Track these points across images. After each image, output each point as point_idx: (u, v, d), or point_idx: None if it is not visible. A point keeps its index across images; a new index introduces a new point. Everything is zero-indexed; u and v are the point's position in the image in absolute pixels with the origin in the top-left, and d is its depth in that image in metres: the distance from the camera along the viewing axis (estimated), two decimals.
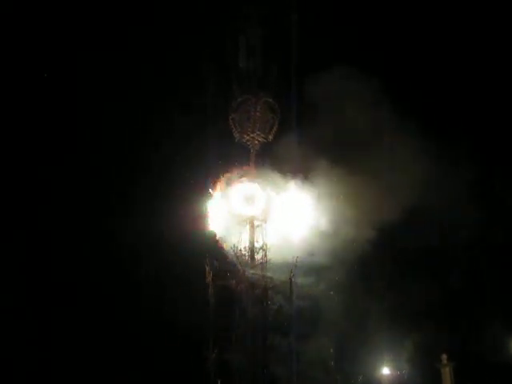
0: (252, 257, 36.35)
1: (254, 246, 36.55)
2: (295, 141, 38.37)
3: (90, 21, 41.27)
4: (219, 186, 37.30)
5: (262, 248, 36.33)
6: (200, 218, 36.71)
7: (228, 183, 37.27)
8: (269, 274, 35.98)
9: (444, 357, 35.77)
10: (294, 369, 34.66)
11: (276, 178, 37.51)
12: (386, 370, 37.94)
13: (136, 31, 41.01)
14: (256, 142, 38.04)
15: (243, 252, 36.18)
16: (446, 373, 35.55)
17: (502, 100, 43.09)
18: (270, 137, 38.19)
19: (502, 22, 42.95)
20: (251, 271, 35.78)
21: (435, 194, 38.34)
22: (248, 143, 38.12)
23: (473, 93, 43.26)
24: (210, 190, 37.29)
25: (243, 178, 37.33)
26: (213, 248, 36.23)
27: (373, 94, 39.37)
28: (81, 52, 41.23)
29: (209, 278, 35.45)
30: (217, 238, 36.62)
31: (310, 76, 39.41)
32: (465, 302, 39.79)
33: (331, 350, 36.66)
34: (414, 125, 38.59)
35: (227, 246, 36.38)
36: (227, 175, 37.36)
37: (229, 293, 35.59)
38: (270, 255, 36.15)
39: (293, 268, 35.64)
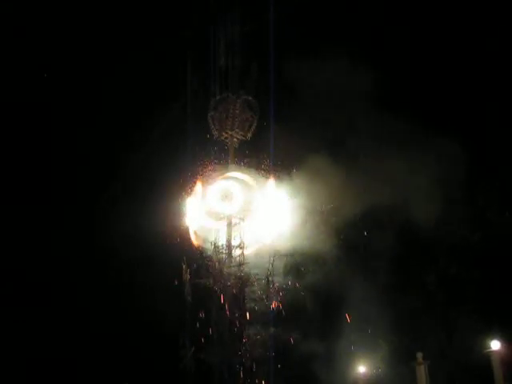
0: (229, 255, 36.34)
1: (231, 244, 36.55)
2: (274, 138, 38.30)
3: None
4: (197, 183, 37.22)
5: (239, 246, 36.37)
6: (177, 216, 36.66)
7: (206, 181, 37.21)
8: (246, 272, 35.99)
9: (419, 355, 35.97)
10: (270, 366, 34.80)
11: (254, 175, 37.50)
12: (361, 369, 38.08)
13: (113, 29, 40.62)
14: (235, 139, 38.03)
15: (221, 250, 36.16)
16: (421, 371, 35.76)
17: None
18: (249, 135, 38.17)
19: None
20: (228, 269, 35.79)
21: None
22: (226, 141, 38.08)
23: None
24: (188, 187, 37.21)
25: (221, 176, 37.27)
26: (190, 246, 36.19)
27: (358, 87, 39.36)
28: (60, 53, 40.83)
29: (185, 276, 35.46)
30: (194, 236, 36.60)
31: (291, 71, 39.34)
32: (441, 301, 40.04)
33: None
34: (396, 119, 38.50)
35: (204, 244, 36.35)
36: (205, 173, 37.29)
37: (206, 291, 35.58)
38: (247, 253, 36.14)
39: (270, 266, 35.72)
